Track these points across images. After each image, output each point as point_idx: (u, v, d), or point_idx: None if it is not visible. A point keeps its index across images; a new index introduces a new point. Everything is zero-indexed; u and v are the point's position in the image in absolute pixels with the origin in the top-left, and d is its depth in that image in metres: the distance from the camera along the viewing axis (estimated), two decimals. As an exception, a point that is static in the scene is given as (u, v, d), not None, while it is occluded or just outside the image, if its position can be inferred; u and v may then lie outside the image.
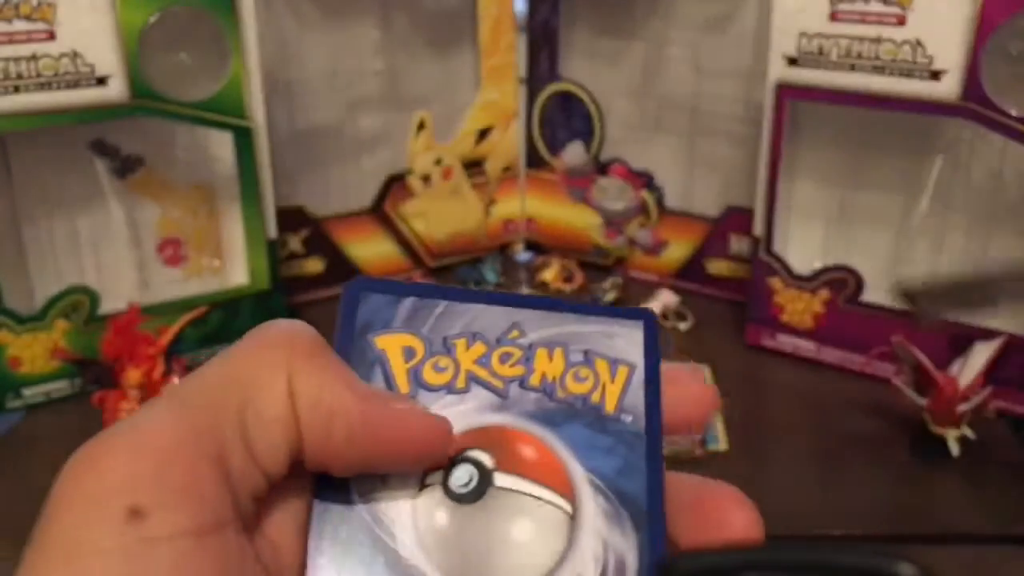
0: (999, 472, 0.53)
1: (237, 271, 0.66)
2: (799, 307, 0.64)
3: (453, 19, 0.75)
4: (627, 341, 0.22)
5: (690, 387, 0.23)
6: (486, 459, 0.21)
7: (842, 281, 0.62)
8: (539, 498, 0.21)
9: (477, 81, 0.76)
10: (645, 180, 0.75)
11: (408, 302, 0.23)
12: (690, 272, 0.75)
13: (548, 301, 0.23)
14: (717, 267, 0.74)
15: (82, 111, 0.55)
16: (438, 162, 0.76)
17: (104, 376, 0.56)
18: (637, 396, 0.22)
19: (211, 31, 0.59)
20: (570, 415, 0.22)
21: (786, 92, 0.59)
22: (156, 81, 0.57)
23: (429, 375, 0.22)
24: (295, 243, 0.72)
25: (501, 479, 0.21)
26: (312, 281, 0.73)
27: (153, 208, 0.64)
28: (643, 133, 0.75)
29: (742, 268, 0.71)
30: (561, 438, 0.21)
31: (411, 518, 0.20)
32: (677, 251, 0.75)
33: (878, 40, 0.55)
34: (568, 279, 0.77)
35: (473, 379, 0.22)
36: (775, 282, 0.64)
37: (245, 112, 0.60)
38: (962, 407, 0.53)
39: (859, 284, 0.61)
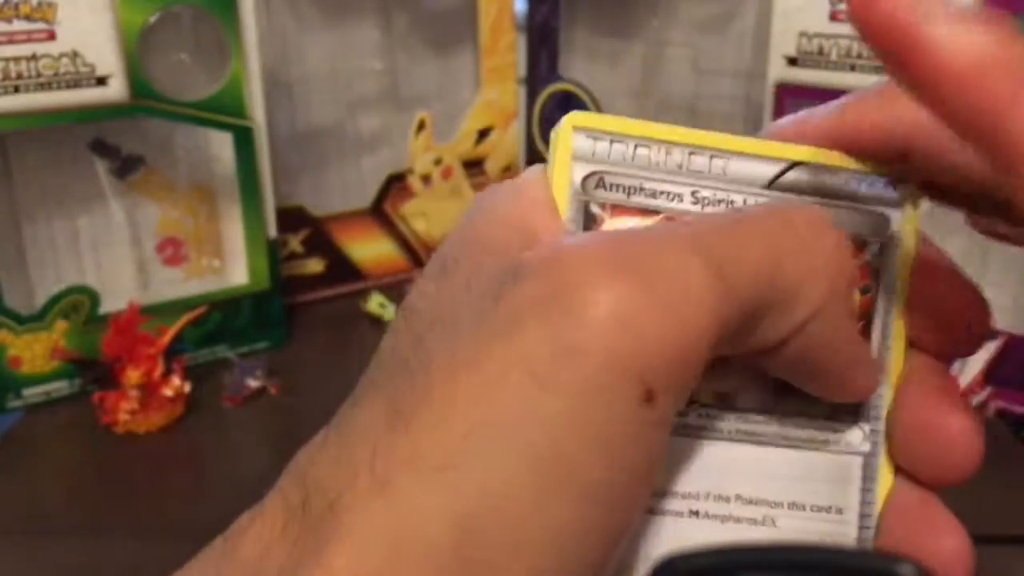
0: (999, 472, 0.53)
1: (237, 271, 0.66)
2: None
3: (453, 19, 0.75)
4: None
5: None
6: None
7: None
8: None
9: (477, 81, 0.76)
10: (645, 180, 0.75)
11: None
12: (690, 272, 0.75)
13: None
14: (717, 267, 0.74)
15: (82, 111, 0.55)
16: (438, 162, 0.76)
17: (104, 376, 0.56)
18: None
19: (211, 31, 0.59)
20: None
21: (786, 92, 0.59)
22: (156, 81, 0.57)
23: None
24: (295, 243, 0.72)
25: None
26: (312, 281, 0.73)
27: (153, 208, 0.64)
28: (643, 133, 0.75)
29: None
30: None
31: None
32: (677, 251, 0.75)
33: (878, 40, 0.55)
34: (568, 279, 0.77)
35: None
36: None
37: (245, 112, 0.60)
38: (962, 407, 0.53)
39: (859, 284, 0.61)
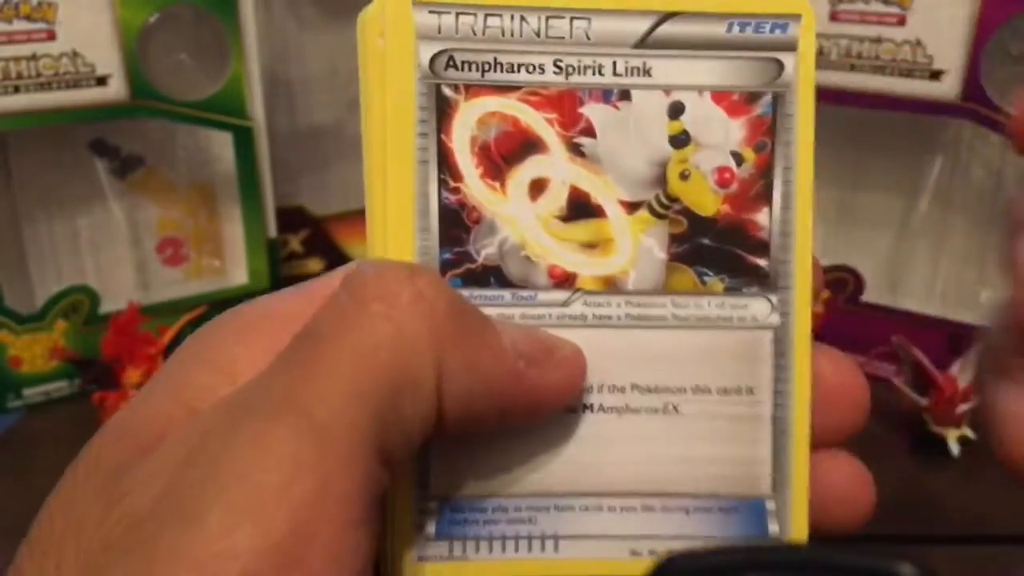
0: (999, 472, 0.53)
1: (237, 271, 0.66)
2: (799, 307, 0.64)
3: (453, 19, 0.75)
4: None
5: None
6: None
7: (842, 281, 0.62)
8: None
9: (477, 81, 0.76)
10: (645, 180, 0.75)
11: None
12: (690, 272, 0.75)
13: None
14: (717, 267, 0.73)
15: (82, 111, 0.55)
16: (438, 162, 0.76)
17: (104, 376, 0.56)
18: None
19: (211, 31, 0.59)
20: None
21: (786, 92, 0.59)
22: (156, 81, 0.57)
23: None
24: (295, 243, 0.72)
25: None
26: (312, 281, 0.73)
27: (153, 208, 0.64)
28: (643, 133, 0.74)
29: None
30: None
31: None
32: (677, 251, 0.75)
33: (878, 40, 0.55)
34: (568, 279, 0.77)
35: None
36: (775, 282, 0.64)
37: (245, 112, 0.60)
38: (962, 407, 0.53)
39: (859, 284, 0.61)
